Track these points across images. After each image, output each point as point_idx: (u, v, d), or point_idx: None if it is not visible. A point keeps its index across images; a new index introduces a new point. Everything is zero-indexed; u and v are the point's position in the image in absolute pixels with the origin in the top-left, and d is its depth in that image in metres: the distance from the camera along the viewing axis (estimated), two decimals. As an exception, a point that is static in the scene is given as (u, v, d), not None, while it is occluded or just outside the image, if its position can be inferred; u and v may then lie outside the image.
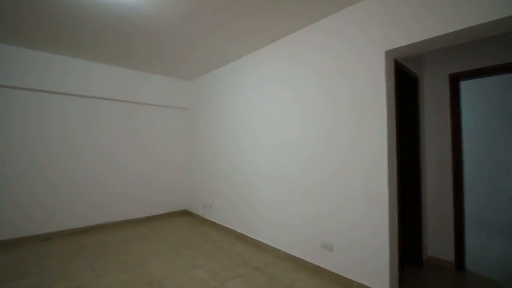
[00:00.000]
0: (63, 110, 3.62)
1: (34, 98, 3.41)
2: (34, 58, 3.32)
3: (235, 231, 3.57)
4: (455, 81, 2.69)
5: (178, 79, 4.68)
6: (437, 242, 2.81)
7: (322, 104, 2.54)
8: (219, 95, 4.03)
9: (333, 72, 2.45)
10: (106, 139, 3.99)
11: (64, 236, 3.55)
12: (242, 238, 3.44)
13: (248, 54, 3.45)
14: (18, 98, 3.31)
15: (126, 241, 3.40)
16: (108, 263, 2.75)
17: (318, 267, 2.51)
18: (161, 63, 3.82)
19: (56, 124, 3.56)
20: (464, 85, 4.27)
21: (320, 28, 2.57)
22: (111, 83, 3.93)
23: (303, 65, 2.73)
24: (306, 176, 2.67)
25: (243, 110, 3.53)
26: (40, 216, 3.43)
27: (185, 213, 4.78)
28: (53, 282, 2.35)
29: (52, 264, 2.71)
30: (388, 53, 2.11)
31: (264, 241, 3.13)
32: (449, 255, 2.71)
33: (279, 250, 2.91)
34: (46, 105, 3.50)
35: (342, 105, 2.37)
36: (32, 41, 3.03)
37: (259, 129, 3.26)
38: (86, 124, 3.81)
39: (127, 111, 4.20)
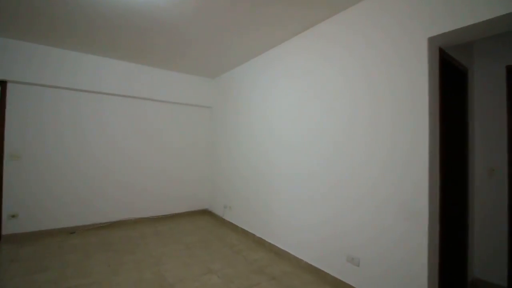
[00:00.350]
0: (96, 108, 3.72)
1: (67, 95, 3.54)
2: (50, 54, 3.44)
3: (253, 235, 3.41)
4: (514, 74, 2.28)
5: (202, 77, 4.63)
6: (485, 262, 2.40)
7: (348, 101, 2.27)
8: (238, 93, 3.90)
9: (366, 64, 2.17)
10: (129, 138, 4.04)
11: (88, 230, 3.65)
12: (260, 242, 3.26)
13: (270, 50, 3.26)
14: (51, 95, 3.46)
15: (146, 238, 3.40)
16: (124, 261, 2.73)
17: (342, 282, 2.25)
18: (182, 60, 3.77)
19: (87, 122, 3.67)
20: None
21: (349, 15, 2.30)
22: (136, 81, 3.97)
23: (327, 58, 2.48)
24: (330, 181, 2.42)
25: (262, 108, 3.35)
26: (67, 210, 3.55)
27: (206, 213, 4.72)
28: (70, 278, 2.36)
29: (73, 259, 2.76)
30: (431, 40, 1.80)
31: (283, 248, 2.92)
32: (501, 279, 2.30)
33: (300, 259, 2.69)
34: (60, 100, 3.62)
35: (373, 101, 2.09)
36: (47, 38, 3.10)
37: (280, 127, 3.06)
38: (108, 122, 3.88)
39: (150, 109, 4.23)
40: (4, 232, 3.16)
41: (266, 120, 3.29)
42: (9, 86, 3.19)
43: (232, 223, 3.91)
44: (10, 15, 2.56)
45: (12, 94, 3.21)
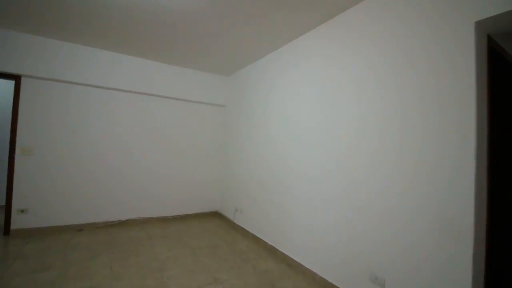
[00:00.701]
0: (107, 105, 3.67)
1: (78, 90, 3.50)
2: (61, 48, 3.41)
3: (265, 242, 3.18)
4: None
5: (216, 75, 4.49)
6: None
7: (377, 97, 2.01)
8: (254, 90, 3.70)
9: (394, 55, 1.90)
10: (139, 136, 3.95)
11: (96, 228, 3.57)
12: (272, 251, 3.03)
13: (289, 43, 3.04)
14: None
15: (152, 240, 3.26)
16: (128, 264, 2.59)
17: (364, 304, 1.98)
18: (196, 57, 3.64)
19: (96, 119, 3.62)
20: None
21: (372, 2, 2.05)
22: (148, 78, 3.89)
23: (350, 49, 2.23)
24: (354, 186, 2.16)
25: (280, 107, 3.14)
26: (76, 207, 3.50)
27: (216, 215, 4.55)
28: (70, 279, 2.25)
29: (76, 258, 2.66)
30: (479, 25, 1.52)
31: (296, 259, 2.67)
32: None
33: (314, 273, 2.43)
34: (72, 95, 3.57)
35: (406, 98, 1.82)
36: (61, 32, 3.07)
37: (298, 127, 2.82)
38: (119, 120, 3.81)
39: (161, 107, 4.12)
40: (13, 227, 3.14)
41: (285, 120, 3.07)
42: (23, 81, 3.17)
43: (242, 227, 3.70)
44: (24, 9, 2.52)
45: (25, 89, 3.20)
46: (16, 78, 3.13)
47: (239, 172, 3.98)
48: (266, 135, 3.36)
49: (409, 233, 1.72)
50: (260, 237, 3.29)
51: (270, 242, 3.11)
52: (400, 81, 1.86)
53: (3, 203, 3.47)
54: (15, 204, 3.15)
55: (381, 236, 1.90)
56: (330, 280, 2.27)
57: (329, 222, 2.35)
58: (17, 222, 3.16)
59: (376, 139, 1.99)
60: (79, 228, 3.49)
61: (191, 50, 3.43)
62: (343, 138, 2.27)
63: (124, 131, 3.82)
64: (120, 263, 2.61)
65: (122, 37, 3.09)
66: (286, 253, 2.82)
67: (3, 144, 4.06)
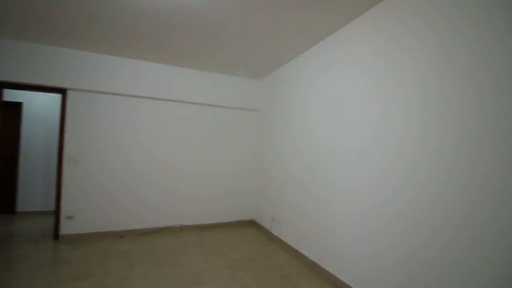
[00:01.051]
0: (142, 115, 3.75)
1: (117, 101, 3.63)
2: (102, 61, 3.53)
3: (306, 257, 2.88)
4: None
5: (247, 79, 4.35)
6: None
7: (438, 92, 1.63)
8: (291, 91, 3.45)
9: (459, 43, 1.52)
10: (174, 144, 3.95)
11: (136, 235, 3.62)
12: (314, 268, 2.72)
13: (328, 37, 2.75)
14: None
15: (189, 249, 3.17)
16: (164, 275, 2.51)
17: None
18: (227, 61, 3.53)
19: (129, 126, 3.71)
20: None
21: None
22: (181, 85, 3.90)
23: (405, 39, 1.87)
24: (416, 200, 1.78)
25: (319, 109, 2.85)
26: (118, 214, 3.58)
27: (252, 225, 4.35)
28: (107, 290, 2.22)
29: (115, 266, 2.66)
30: None
31: (345, 280, 2.33)
32: None
33: (367, 299, 2.08)
34: (116, 106, 3.67)
35: (480, 91, 1.42)
36: (100, 46, 3.18)
37: (343, 130, 2.51)
38: (155, 128, 3.85)
39: (194, 114, 4.09)
40: (61, 232, 3.31)
41: (330, 122, 2.77)
42: (69, 94, 3.36)
43: (281, 239, 3.44)
44: (68, 26, 2.64)
45: (70, 101, 3.38)
46: (63, 92, 3.33)
47: (276, 179, 3.74)
48: (309, 137, 3.08)
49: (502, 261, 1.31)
50: (300, 251, 3.00)
51: (312, 258, 2.80)
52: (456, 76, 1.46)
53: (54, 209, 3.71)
54: (63, 211, 3.32)
55: (454, 256, 1.50)
56: (388, 309, 1.90)
57: (387, 245, 1.98)
58: (65, 227, 3.33)
59: (438, 144, 1.61)
60: (120, 235, 3.56)
61: (224, 56, 3.33)
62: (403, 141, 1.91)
63: (161, 140, 3.85)
64: (156, 273, 2.54)
65: (152, 45, 3.10)
66: (332, 272, 2.49)
67: (52, 153, 4.40)
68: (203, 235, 3.72)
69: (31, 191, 4.42)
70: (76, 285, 2.28)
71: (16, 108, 4.31)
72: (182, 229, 3.92)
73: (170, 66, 3.83)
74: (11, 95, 4.24)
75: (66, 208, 3.33)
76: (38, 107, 4.47)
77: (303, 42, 2.88)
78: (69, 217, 3.34)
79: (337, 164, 2.52)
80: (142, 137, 3.74)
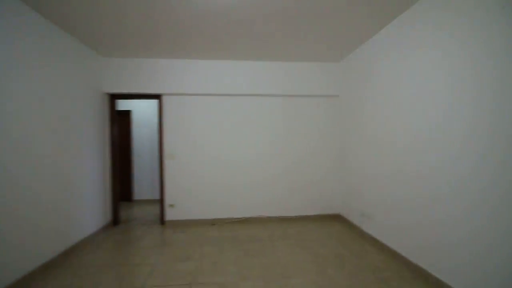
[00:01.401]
0: (218, 109, 3.97)
1: (203, 101, 3.94)
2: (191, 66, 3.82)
3: (408, 260, 2.48)
4: None
5: (323, 63, 4.03)
6: None
7: None
8: (377, 71, 3.00)
9: None
10: (256, 136, 4.02)
11: (225, 224, 3.88)
12: (420, 273, 2.30)
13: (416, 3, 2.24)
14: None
15: (273, 240, 3.20)
16: (252, 264, 2.59)
17: None
18: (303, 47, 3.33)
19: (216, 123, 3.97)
20: None
21: None
22: (258, 78, 3.92)
23: None
24: None
25: (417, 88, 2.36)
26: (210, 204, 3.93)
27: (338, 219, 4.08)
28: (204, 273, 2.42)
29: (209, 251, 2.90)
30: None
31: (466, 293, 1.88)
32: None
33: (505, 322, 1.60)
34: (202, 105, 3.95)
35: None
36: (190, 52, 3.44)
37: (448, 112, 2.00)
38: (239, 122, 4.00)
39: (271, 105, 4.06)
40: (166, 218, 3.84)
41: (428, 102, 2.29)
42: (163, 99, 3.83)
43: (373, 237, 3.08)
44: (155, 40, 2.98)
45: (165, 105, 3.85)
46: (159, 97, 3.81)
47: (365, 170, 3.36)
48: (400, 123, 2.64)
49: None
50: (400, 253, 2.60)
51: (415, 261, 2.39)
52: None
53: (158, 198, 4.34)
54: (166, 200, 3.85)
55: None
56: None
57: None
58: (168, 214, 3.85)
59: None
60: (212, 223, 3.89)
61: (302, 42, 3.15)
62: None
63: (245, 133, 4.00)
64: (244, 262, 2.64)
65: (230, 45, 3.19)
66: (445, 280, 2.05)
67: (155, 151, 5.18)
68: (286, 227, 3.70)
69: (142, 183, 5.34)
70: (178, 266, 2.57)
71: (127, 115, 5.23)
72: (266, 220, 4.00)
73: (247, 62, 3.91)
74: (122, 105, 5.16)
75: (168, 197, 3.85)
76: (142, 113, 5.32)
77: (390, 10, 2.43)
78: (171, 206, 3.85)
79: (450, 148, 2.04)
80: (228, 131, 3.96)
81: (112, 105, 3.80)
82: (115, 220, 3.83)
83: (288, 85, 3.98)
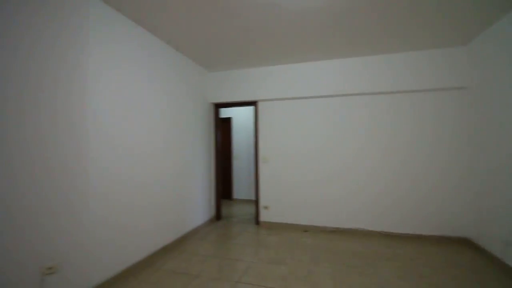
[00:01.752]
0: (310, 112, 3.82)
1: (294, 104, 3.91)
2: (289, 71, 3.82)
3: None
4: None
5: (440, 49, 3.27)
6: None
7: None
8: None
9: None
10: (356, 140, 3.66)
11: (318, 232, 3.68)
12: None
13: None
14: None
15: (377, 260, 2.77)
16: (351, 283, 2.31)
17: None
18: (418, 33, 2.80)
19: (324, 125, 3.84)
20: None
21: None
22: (356, 76, 3.57)
23: None
24: None
25: None
26: (302, 209, 3.83)
27: (466, 244, 3.18)
28: (299, 280, 2.33)
29: (304, 259, 2.79)
30: None
31: None
32: None
33: None
34: (293, 109, 3.88)
35: None
36: (284, 58, 3.46)
37: None
38: (335, 125, 3.74)
39: (377, 104, 3.59)
40: (260, 219, 3.99)
41: None
42: (259, 105, 4.02)
43: (529, 276, 2.22)
44: (250, 51, 3.15)
45: (260, 111, 4.03)
46: (254, 104, 4.03)
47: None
48: None
49: None
50: None
51: None
52: None
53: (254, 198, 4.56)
54: (261, 202, 3.99)
55: None
56: None
57: None
58: (263, 215, 3.98)
59: None
60: (304, 229, 3.77)
61: (420, 26, 2.67)
62: None
63: (342, 137, 3.72)
64: (343, 278, 2.39)
65: (326, 43, 3.02)
66: None
67: (251, 155, 5.52)
68: (393, 247, 3.15)
69: (240, 184, 5.78)
70: (272, 269, 2.58)
71: (228, 122, 5.81)
72: (366, 234, 3.55)
73: (338, 60, 3.64)
74: (224, 113, 5.76)
75: (262, 199, 3.99)
76: (240, 119, 5.79)
77: None
78: (265, 207, 3.97)
79: None
80: (322, 135, 3.79)
81: (217, 113, 4.29)
82: (218, 216, 4.27)
83: (395, 78, 3.44)
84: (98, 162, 2.15)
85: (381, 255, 2.91)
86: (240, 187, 5.79)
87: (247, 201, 5.62)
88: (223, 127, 5.66)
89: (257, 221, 4.02)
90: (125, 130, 2.45)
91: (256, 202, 4.03)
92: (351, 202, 3.65)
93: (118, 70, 2.37)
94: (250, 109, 5.56)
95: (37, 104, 1.71)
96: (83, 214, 2.02)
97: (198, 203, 3.79)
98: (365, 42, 3.10)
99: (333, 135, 3.74)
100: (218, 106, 4.30)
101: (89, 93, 2.08)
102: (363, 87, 3.54)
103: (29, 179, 1.67)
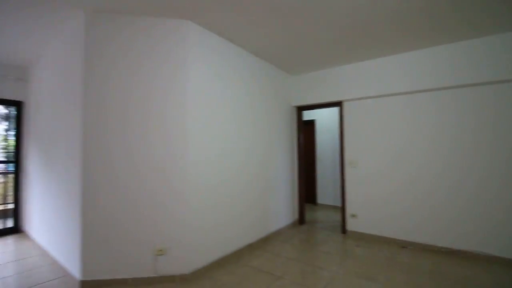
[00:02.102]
0: (402, 110, 3.29)
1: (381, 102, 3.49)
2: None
3: None
4: None
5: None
6: None
7: None
8: None
9: None
10: (449, 142, 2.96)
11: (420, 250, 3.13)
12: None
13: None
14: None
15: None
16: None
17: None
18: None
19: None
20: None
21: None
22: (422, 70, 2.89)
23: None
24: None
25: None
26: (400, 221, 3.35)
27: None
28: (392, 304, 2.04)
29: (400, 280, 2.42)
30: None
31: None
32: None
33: None
34: (384, 108, 3.42)
35: None
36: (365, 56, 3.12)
37: None
38: (431, 125, 3.13)
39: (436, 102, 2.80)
40: (347, 228, 3.70)
41: None
42: (344, 105, 3.77)
43: None
44: (327, 50, 2.99)
45: (345, 112, 3.77)
46: (339, 104, 3.81)
47: None
48: None
49: None
50: None
51: None
52: None
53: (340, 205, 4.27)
54: (347, 209, 3.71)
55: None
56: None
57: None
58: (350, 224, 3.69)
59: None
60: (402, 245, 3.28)
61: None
62: None
63: (439, 138, 3.10)
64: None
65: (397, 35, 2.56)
66: None
67: (337, 158, 5.16)
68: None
69: (324, 188, 5.54)
70: (361, 284, 2.35)
71: (311, 124, 5.68)
72: (488, 259, 2.79)
73: (408, 53, 3.01)
74: (308, 115, 5.67)
75: (349, 206, 3.70)
76: (324, 120, 5.57)
77: None
78: (353, 216, 3.67)
79: None
80: (416, 137, 3.24)
81: (299, 116, 4.27)
82: (301, 220, 4.21)
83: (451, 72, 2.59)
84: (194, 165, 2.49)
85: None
86: (325, 192, 5.55)
87: (333, 207, 5.32)
88: (307, 130, 5.57)
89: (343, 230, 3.76)
90: (216, 137, 2.76)
91: (342, 209, 3.77)
92: (465, 217, 2.94)
93: (212, 83, 2.70)
94: (334, 110, 5.27)
95: (162, 119, 2.20)
96: (189, 206, 2.38)
97: (281, 205, 3.85)
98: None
99: (432, 136, 3.12)
100: (301, 108, 4.28)
101: (188, 112, 2.44)
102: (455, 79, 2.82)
103: (146, 174, 2.11)
